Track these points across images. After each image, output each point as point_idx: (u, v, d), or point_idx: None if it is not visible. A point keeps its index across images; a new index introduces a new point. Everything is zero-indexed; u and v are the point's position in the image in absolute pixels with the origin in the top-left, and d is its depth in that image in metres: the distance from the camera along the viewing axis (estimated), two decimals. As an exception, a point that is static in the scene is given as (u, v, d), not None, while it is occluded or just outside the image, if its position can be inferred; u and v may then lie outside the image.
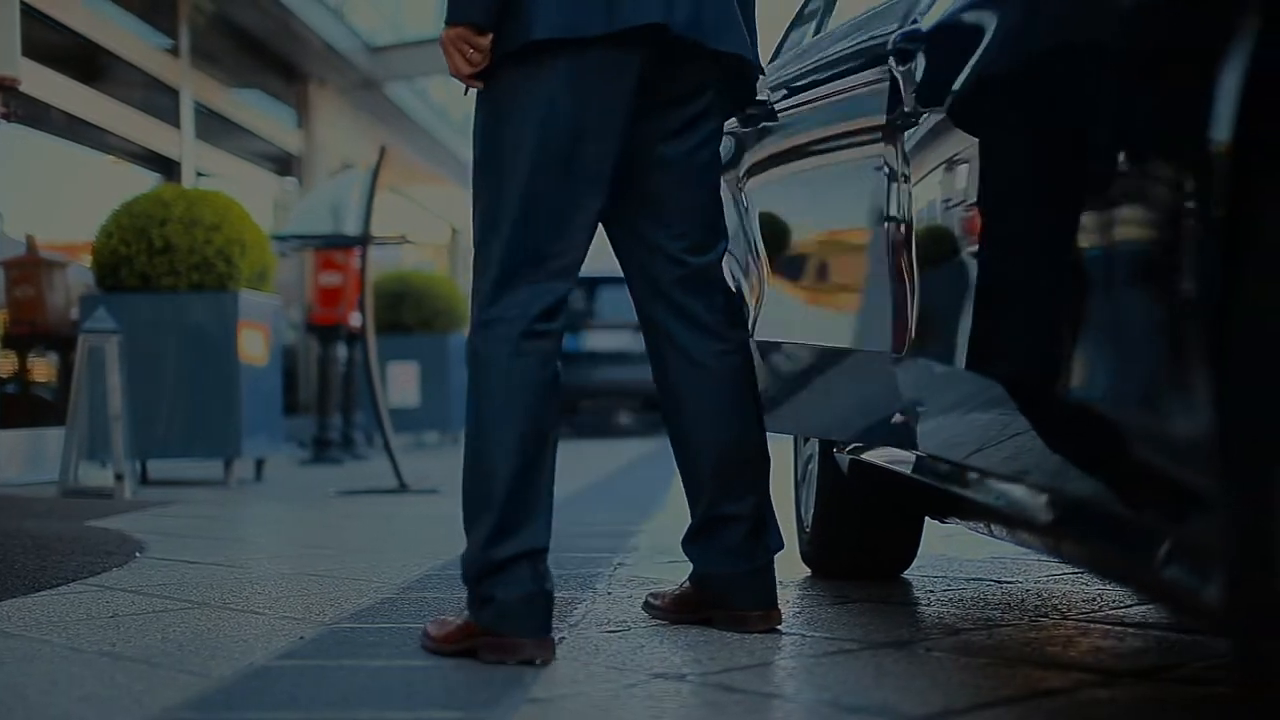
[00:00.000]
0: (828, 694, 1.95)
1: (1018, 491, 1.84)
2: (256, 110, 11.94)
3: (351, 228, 7.28)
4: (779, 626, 2.49)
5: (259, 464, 7.23)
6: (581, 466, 8.17)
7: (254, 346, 6.88)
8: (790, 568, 3.37)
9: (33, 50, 7.75)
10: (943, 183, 2.13)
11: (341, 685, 2.05)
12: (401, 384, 11.05)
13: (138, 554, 3.78)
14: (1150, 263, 1.27)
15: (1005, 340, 1.89)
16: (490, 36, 2.26)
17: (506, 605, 2.21)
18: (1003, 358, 1.90)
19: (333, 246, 7.94)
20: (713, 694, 1.96)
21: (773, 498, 2.57)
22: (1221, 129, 1.04)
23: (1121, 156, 1.40)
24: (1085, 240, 1.51)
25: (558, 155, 2.27)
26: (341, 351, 9.34)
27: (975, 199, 1.99)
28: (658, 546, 3.90)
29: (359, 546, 4.05)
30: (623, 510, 5.21)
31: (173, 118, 9.94)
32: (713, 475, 2.52)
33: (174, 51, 10.02)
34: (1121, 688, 2.01)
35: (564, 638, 2.42)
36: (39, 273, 7.04)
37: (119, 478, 5.87)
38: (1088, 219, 1.49)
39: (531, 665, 2.17)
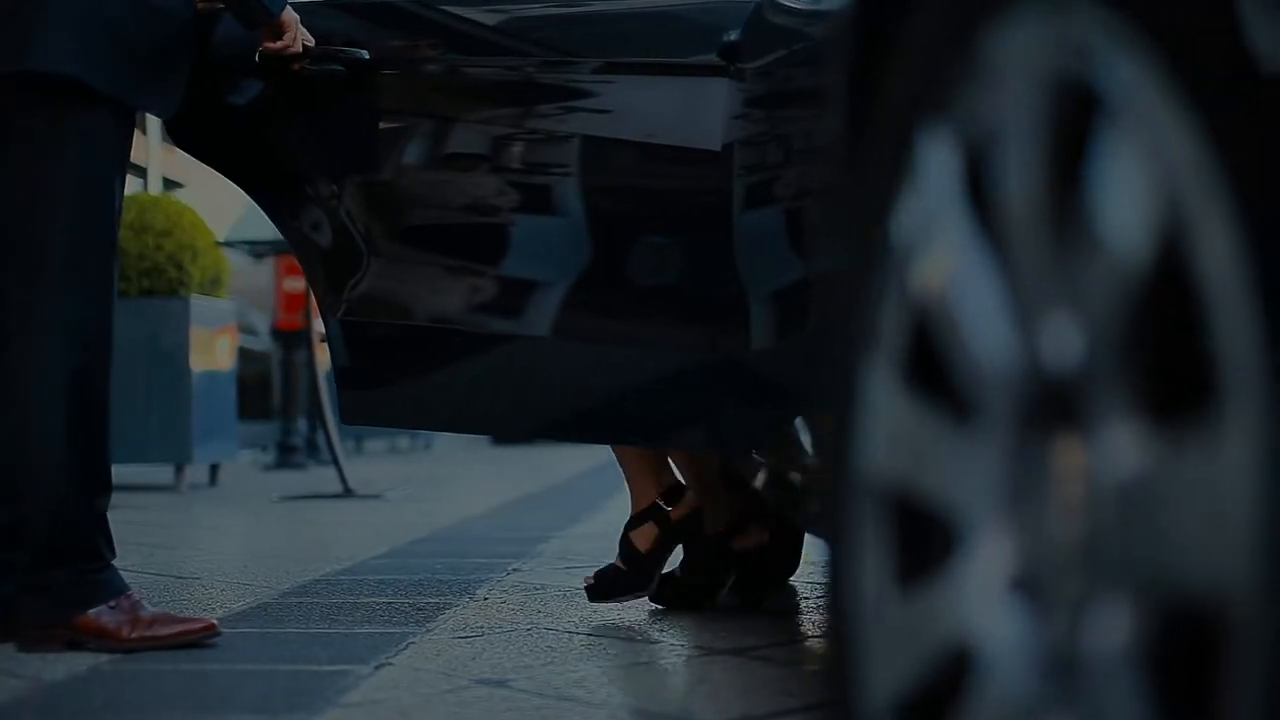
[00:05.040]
0: (635, 700, 1.97)
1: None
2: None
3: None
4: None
5: (213, 469, 7.25)
6: (533, 473, 8.19)
7: (207, 352, 6.90)
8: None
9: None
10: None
11: (165, 689, 2.07)
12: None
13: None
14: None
15: None
16: None
17: None
18: None
19: (281, 252, 7.97)
20: (523, 699, 1.98)
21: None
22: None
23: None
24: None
25: None
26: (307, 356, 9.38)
27: None
28: (563, 553, 3.92)
29: (268, 551, 4.08)
30: (549, 517, 5.23)
31: (138, 123, 9.97)
32: None
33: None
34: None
35: (412, 643, 2.44)
36: None
37: (62, 482, 5.89)
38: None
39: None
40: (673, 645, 2.43)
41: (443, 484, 7.86)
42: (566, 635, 2.53)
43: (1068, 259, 0.66)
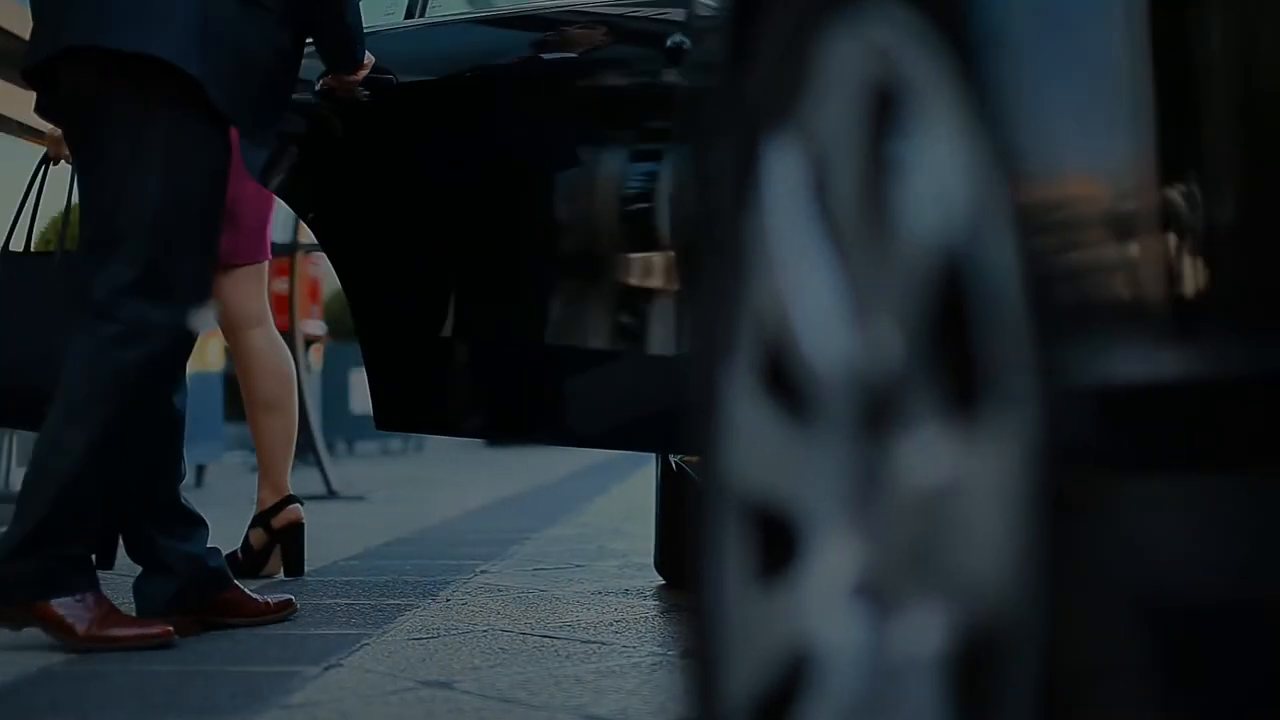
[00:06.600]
0: (575, 703, 1.97)
1: None
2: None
3: (279, 235, 7.30)
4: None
5: (200, 470, 7.26)
6: (524, 474, 8.21)
7: (195, 353, 6.87)
8: (645, 576, 3.40)
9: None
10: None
11: (112, 690, 2.08)
12: (365, 391, 11.07)
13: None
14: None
15: None
16: None
17: None
18: None
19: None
20: (465, 701, 1.98)
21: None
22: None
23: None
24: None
25: None
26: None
27: None
28: (534, 555, 3.93)
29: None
30: (527, 518, 5.24)
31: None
32: None
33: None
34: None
35: (365, 644, 2.44)
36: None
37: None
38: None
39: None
40: (625, 648, 2.43)
41: (430, 485, 7.86)
42: (521, 637, 2.53)
43: (884, 263, 0.67)
